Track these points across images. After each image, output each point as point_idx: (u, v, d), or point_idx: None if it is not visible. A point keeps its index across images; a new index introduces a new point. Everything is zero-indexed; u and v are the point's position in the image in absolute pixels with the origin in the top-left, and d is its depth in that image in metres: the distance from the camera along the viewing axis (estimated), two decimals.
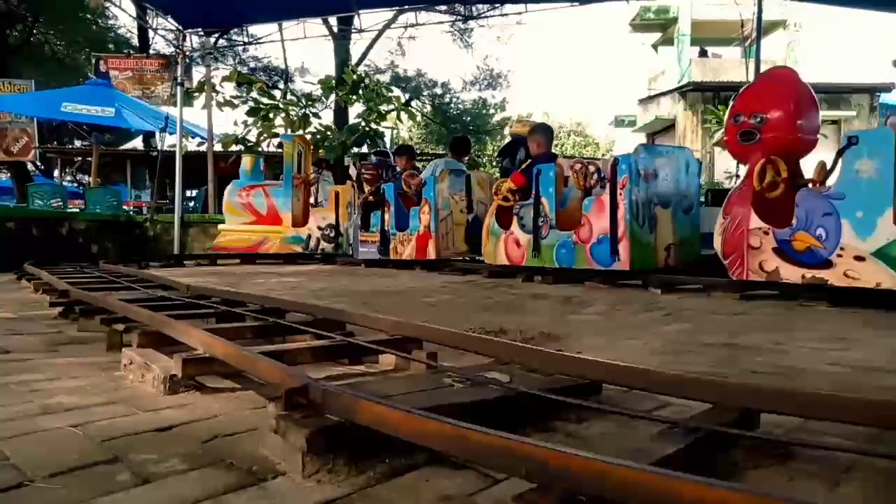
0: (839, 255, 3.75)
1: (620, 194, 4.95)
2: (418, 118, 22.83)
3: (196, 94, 13.41)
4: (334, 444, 1.28)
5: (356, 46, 20.12)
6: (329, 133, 13.12)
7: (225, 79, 12.97)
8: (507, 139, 10.12)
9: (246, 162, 9.99)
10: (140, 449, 1.42)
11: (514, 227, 5.86)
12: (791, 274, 3.99)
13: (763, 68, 9.78)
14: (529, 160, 6.17)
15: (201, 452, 1.41)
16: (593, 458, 0.97)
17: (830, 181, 3.96)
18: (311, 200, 9.90)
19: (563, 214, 5.50)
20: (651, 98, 19.26)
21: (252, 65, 22.15)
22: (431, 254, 6.87)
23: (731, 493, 0.84)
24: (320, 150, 12.53)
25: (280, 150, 13.27)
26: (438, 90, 25.95)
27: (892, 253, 3.53)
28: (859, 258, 3.67)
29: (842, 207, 3.75)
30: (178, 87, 12.62)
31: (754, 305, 3.94)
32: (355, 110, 14.56)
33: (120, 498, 1.17)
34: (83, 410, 1.73)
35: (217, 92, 12.66)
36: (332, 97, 14.53)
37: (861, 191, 3.67)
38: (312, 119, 13.05)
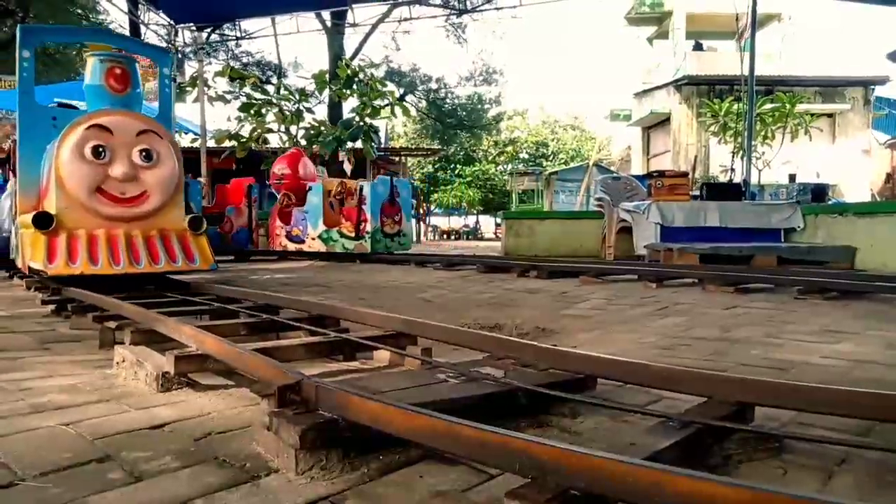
0: (307, 238, 8.71)
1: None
2: (413, 113, 22.78)
3: (188, 89, 13.33)
4: (327, 441, 1.27)
5: (350, 41, 20.06)
6: (323, 128, 13.09)
7: (217, 74, 12.91)
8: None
9: None
10: (132, 447, 1.41)
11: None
12: (292, 247, 8.87)
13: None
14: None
15: (194, 450, 1.40)
16: (587, 453, 0.96)
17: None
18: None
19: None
20: (646, 92, 19.22)
21: (245, 60, 21.99)
22: None
23: (723, 487, 0.84)
24: (314, 146, 12.50)
25: (269, 146, 13.22)
26: (433, 85, 25.85)
27: (323, 236, 8.57)
28: (314, 239, 8.63)
29: (308, 216, 8.71)
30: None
31: (749, 299, 3.95)
32: (349, 105, 14.50)
33: (112, 496, 1.17)
34: (75, 408, 1.72)
35: (209, 87, 12.58)
36: (326, 92, 14.49)
37: (313, 209, 8.68)
38: (306, 114, 13.02)
